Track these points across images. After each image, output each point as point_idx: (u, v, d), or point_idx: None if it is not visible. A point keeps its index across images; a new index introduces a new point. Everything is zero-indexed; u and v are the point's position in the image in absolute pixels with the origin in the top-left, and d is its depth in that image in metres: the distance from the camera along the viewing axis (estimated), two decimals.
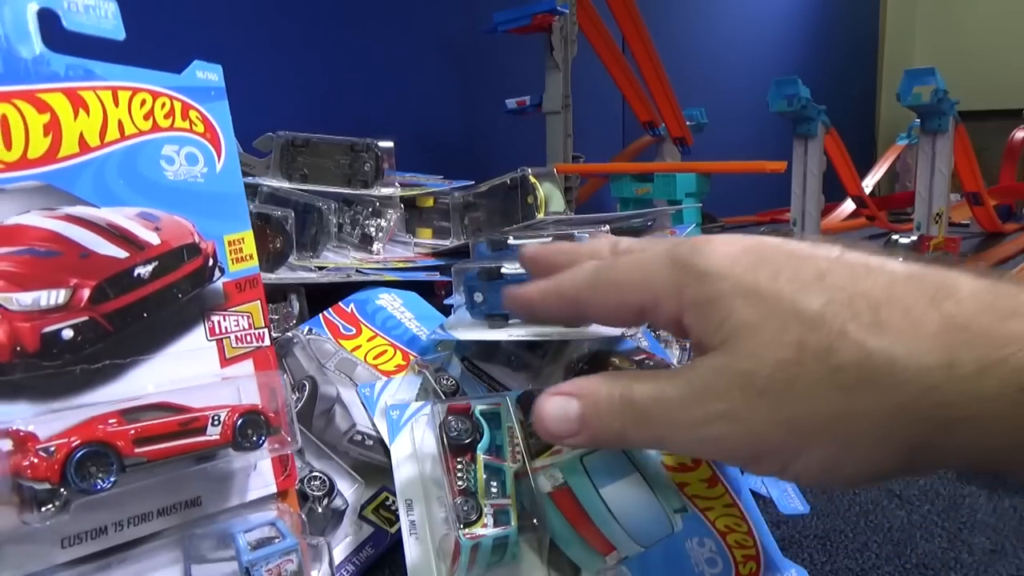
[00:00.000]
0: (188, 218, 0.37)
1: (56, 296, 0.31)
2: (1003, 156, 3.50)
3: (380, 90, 2.23)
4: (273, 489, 0.39)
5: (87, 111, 0.35)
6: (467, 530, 0.41)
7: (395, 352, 0.62)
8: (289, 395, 0.38)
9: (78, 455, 0.29)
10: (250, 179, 0.84)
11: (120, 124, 0.36)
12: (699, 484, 0.51)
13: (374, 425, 0.54)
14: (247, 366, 0.37)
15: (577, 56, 2.17)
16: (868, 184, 3.75)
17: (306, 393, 0.57)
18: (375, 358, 0.61)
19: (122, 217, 0.35)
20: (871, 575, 0.60)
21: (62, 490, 0.29)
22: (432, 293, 0.74)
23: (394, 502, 0.49)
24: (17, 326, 0.30)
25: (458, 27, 2.43)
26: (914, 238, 2.19)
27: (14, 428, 0.29)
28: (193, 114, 0.39)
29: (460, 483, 0.43)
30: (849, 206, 3.52)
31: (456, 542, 0.41)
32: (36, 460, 0.28)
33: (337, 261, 0.77)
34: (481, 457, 0.43)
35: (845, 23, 5.09)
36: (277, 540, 0.36)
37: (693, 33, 3.61)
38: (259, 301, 0.39)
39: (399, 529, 0.45)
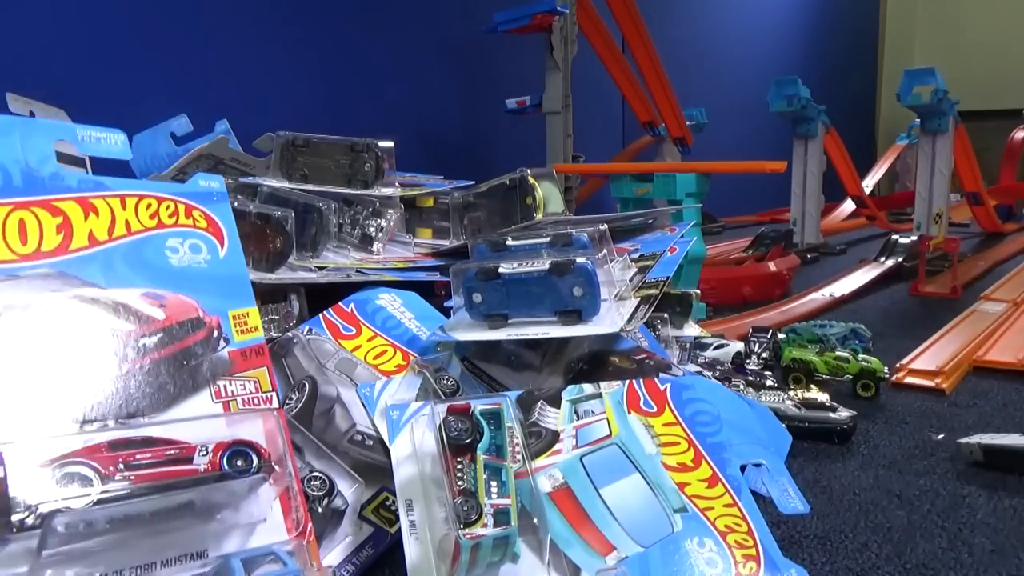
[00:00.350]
0: (193, 296, 0.42)
1: None
2: (1003, 156, 3.50)
3: (380, 90, 2.23)
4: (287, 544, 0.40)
5: (96, 214, 0.41)
6: (467, 530, 0.41)
7: (395, 352, 0.62)
8: (283, 436, 0.39)
9: (60, 472, 0.32)
10: (250, 179, 0.84)
11: (127, 223, 0.42)
12: (699, 484, 0.51)
13: (374, 425, 0.54)
14: (255, 426, 0.40)
15: (577, 56, 2.17)
16: (868, 184, 3.75)
17: (306, 393, 0.57)
18: (375, 358, 0.61)
19: (129, 296, 0.40)
20: (871, 575, 0.60)
21: (38, 506, 0.31)
22: (432, 293, 0.74)
23: (394, 502, 0.49)
24: None
25: (458, 27, 2.43)
26: (914, 238, 2.19)
27: None
28: (196, 213, 0.45)
29: (460, 483, 0.43)
30: (849, 206, 3.52)
31: (456, 542, 0.41)
32: (18, 476, 0.31)
33: (337, 261, 0.77)
34: (481, 457, 0.43)
35: (845, 23, 5.09)
36: (278, 567, 0.36)
37: (693, 33, 3.61)
38: (266, 368, 0.43)
39: (399, 529, 0.45)
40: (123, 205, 0.43)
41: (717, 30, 3.83)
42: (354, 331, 0.64)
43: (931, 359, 1.17)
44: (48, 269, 0.39)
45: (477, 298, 0.59)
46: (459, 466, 0.43)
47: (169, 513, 0.36)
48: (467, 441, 0.44)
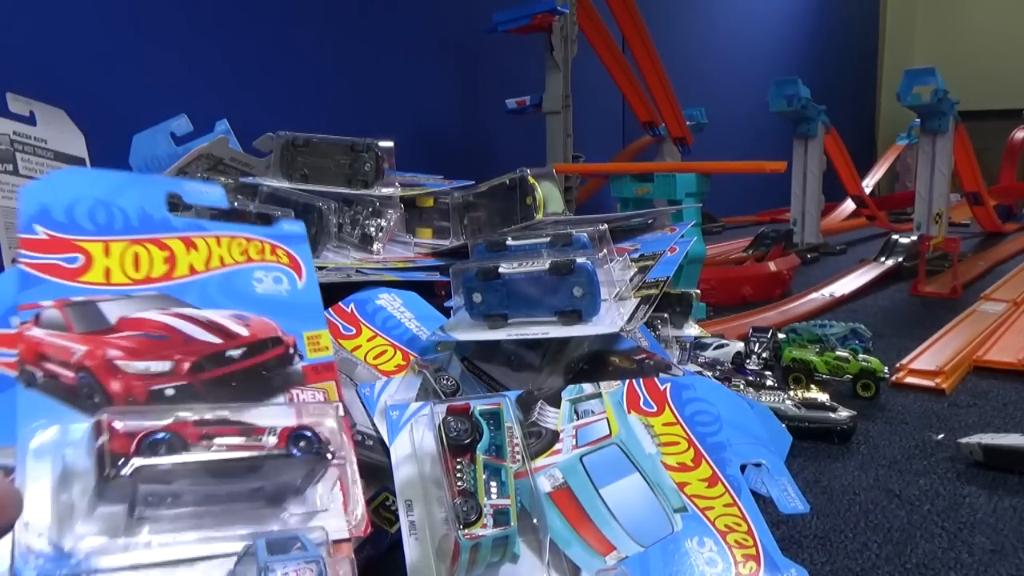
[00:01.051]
0: (273, 319, 0.50)
1: (162, 366, 0.44)
2: (1003, 156, 3.50)
3: (380, 90, 2.23)
4: (343, 535, 0.44)
5: (196, 249, 0.51)
6: (467, 531, 0.41)
7: (395, 352, 0.62)
8: (343, 432, 0.44)
9: (151, 438, 0.39)
10: (250, 179, 0.84)
11: (221, 257, 0.51)
12: (699, 484, 0.51)
13: (374, 425, 0.54)
14: (319, 420, 0.45)
15: (577, 56, 2.17)
16: (868, 184, 3.75)
17: None
18: (375, 358, 0.61)
19: (219, 316, 0.48)
20: (871, 575, 0.60)
21: (133, 461, 0.37)
22: (432, 293, 0.73)
23: (394, 502, 0.49)
24: (131, 383, 0.43)
25: (458, 27, 2.43)
26: (914, 238, 2.19)
27: (105, 418, 0.38)
28: (280, 251, 0.54)
29: (460, 483, 0.43)
30: (849, 206, 3.52)
31: (456, 542, 0.41)
32: (117, 439, 0.38)
33: (337, 261, 0.77)
34: (481, 457, 0.43)
35: (845, 23, 5.09)
36: (299, 550, 0.39)
37: (693, 33, 3.61)
38: (334, 382, 0.50)
39: (399, 529, 0.45)
40: (218, 243, 0.52)
41: (717, 30, 3.83)
42: (354, 331, 0.64)
43: (931, 359, 1.17)
44: (155, 292, 0.48)
45: (477, 298, 0.59)
46: (459, 466, 0.43)
47: (243, 495, 0.41)
48: (467, 441, 0.44)
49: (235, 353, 0.47)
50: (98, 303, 0.46)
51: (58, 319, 0.45)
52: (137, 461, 0.38)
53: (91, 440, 0.38)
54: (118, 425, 0.39)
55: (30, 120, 1.06)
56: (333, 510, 0.44)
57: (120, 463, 0.37)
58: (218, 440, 0.40)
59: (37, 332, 0.44)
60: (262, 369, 0.47)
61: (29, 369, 0.42)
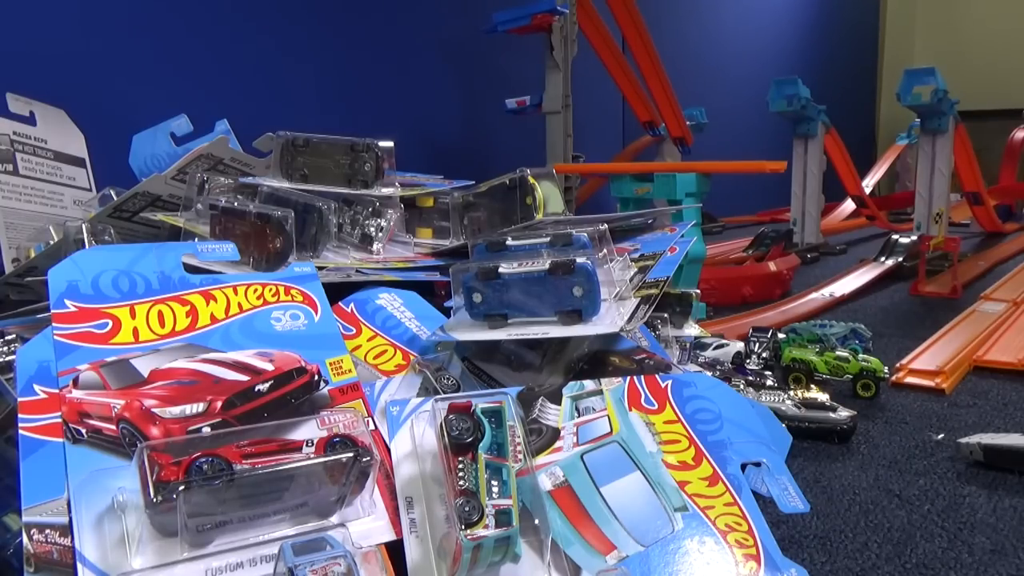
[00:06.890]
0: (295, 351, 0.53)
1: (196, 408, 0.48)
2: (1003, 156, 3.50)
3: (380, 90, 2.23)
4: (390, 537, 0.46)
5: (215, 300, 0.55)
6: (469, 531, 0.41)
7: (395, 352, 0.62)
8: (372, 439, 0.47)
9: (197, 463, 0.42)
10: (250, 179, 0.84)
11: (239, 304, 0.55)
12: (700, 483, 0.51)
13: (375, 424, 0.54)
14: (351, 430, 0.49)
15: (577, 56, 2.17)
16: (868, 184, 3.75)
17: None
18: (375, 358, 0.61)
19: (243, 355, 0.52)
20: (871, 575, 0.60)
21: (181, 486, 0.40)
22: (432, 293, 0.73)
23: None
24: (170, 427, 0.47)
25: (458, 27, 2.43)
26: (914, 238, 2.19)
27: (149, 452, 0.41)
28: (294, 291, 0.58)
29: (461, 483, 0.43)
30: (849, 206, 3.52)
31: (458, 542, 0.41)
32: (165, 468, 0.41)
33: (337, 261, 0.77)
34: (482, 456, 0.43)
35: (845, 23, 5.08)
36: (326, 549, 0.40)
37: (693, 33, 3.61)
38: (360, 400, 0.52)
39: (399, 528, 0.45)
40: (235, 292, 0.56)
41: (717, 30, 3.83)
42: (354, 331, 0.64)
43: (931, 359, 1.17)
44: (181, 343, 0.52)
45: (477, 298, 0.59)
46: (460, 465, 0.43)
47: (287, 511, 0.44)
48: (468, 440, 0.43)
49: (263, 387, 0.50)
50: (130, 360, 0.50)
51: (95, 379, 0.48)
52: (186, 486, 0.40)
53: (138, 473, 0.41)
54: (163, 456, 0.41)
55: (30, 120, 1.06)
56: (378, 517, 0.46)
57: (169, 489, 0.40)
58: (258, 457, 0.43)
59: (77, 393, 0.47)
60: (290, 398, 0.51)
61: (74, 427, 0.45)
